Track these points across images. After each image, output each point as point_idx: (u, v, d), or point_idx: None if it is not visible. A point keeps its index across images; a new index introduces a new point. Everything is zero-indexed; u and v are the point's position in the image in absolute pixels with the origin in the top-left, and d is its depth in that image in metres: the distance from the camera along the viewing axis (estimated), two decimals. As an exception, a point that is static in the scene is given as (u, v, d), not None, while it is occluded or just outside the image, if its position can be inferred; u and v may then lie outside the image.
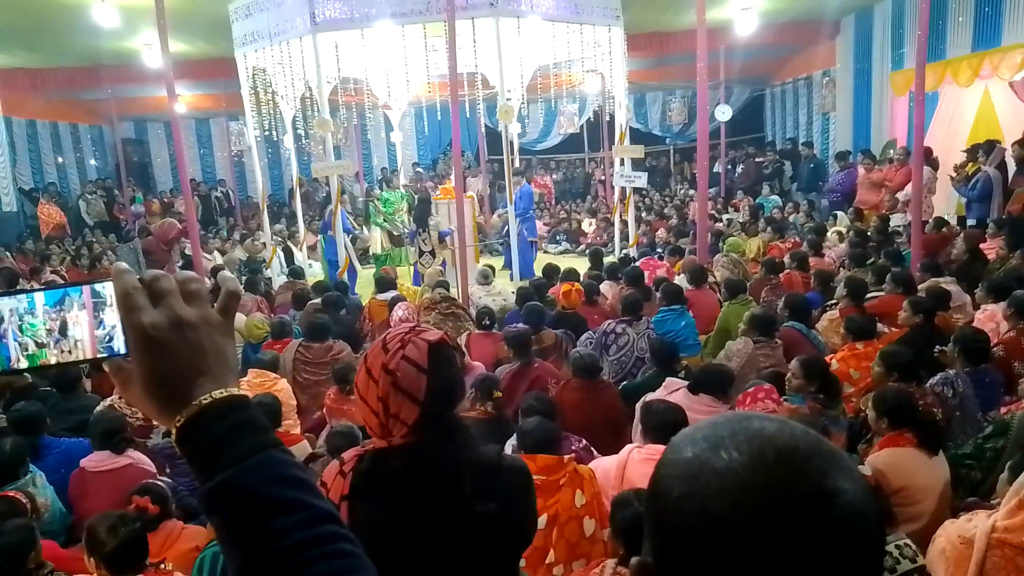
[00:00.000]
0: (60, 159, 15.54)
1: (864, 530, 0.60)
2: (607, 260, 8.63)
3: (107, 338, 0.75)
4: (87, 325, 0.75)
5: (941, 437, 3.32)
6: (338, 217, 9.18)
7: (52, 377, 4.70)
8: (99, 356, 0.75)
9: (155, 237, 8.27)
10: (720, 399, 3.72)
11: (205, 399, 0.72)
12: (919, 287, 5.72)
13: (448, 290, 6.87)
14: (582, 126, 17.15)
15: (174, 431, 0.72)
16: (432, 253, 9.23)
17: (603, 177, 15.45)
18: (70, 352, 0.75)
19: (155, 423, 4.24)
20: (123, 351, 0.75)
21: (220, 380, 0.74)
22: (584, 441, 3.59)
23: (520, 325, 5.33)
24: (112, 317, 0.75)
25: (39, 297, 0.75)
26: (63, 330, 0.75)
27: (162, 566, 2.69)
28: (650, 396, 3.87)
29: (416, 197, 10.56)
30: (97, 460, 3.71)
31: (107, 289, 0.75)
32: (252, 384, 4.71)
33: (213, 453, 0.71)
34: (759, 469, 0.60)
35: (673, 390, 3.87)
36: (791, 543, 0.58)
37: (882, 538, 0.65)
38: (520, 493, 1.58)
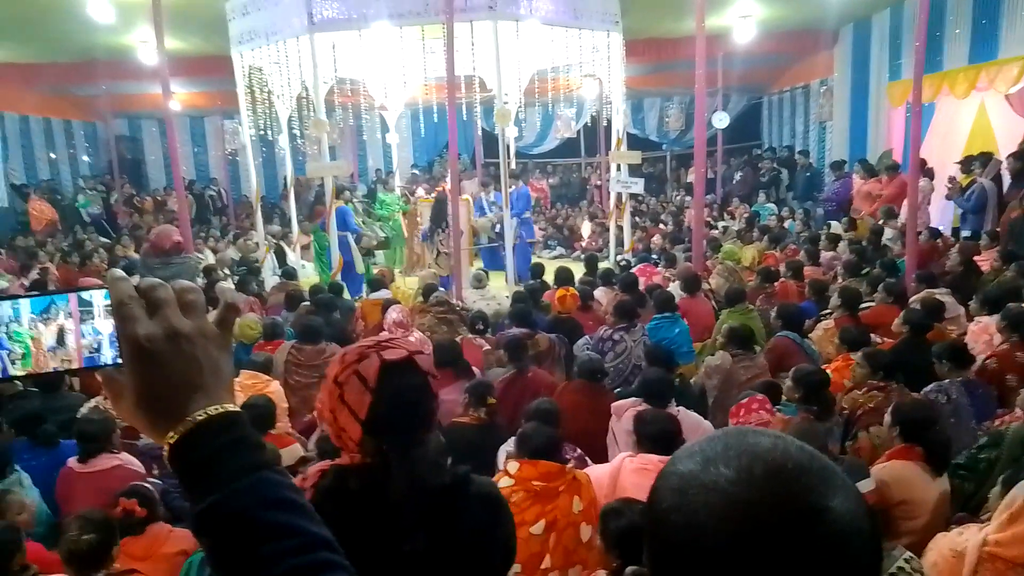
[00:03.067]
0: (53, 155, 15.44)
1: (854, 549, 0.59)
2: (602, 266, 8.62)
3: (94, 347, 0.73)
4: (73, 334, 0.73)
5: (948, 459, 3.32)
6: (332, 217, 9.14)
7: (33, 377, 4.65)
8: (84, 367, 0.74)
9: (151, 246, 7.75)
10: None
11: (200, 415, 0.70)
12: (913, 297, 5.73)
13: (433, 293, 6.79)
14: (579, 131, 17.17)
15: (166, 448, 0.70)
16: (447, 254, 9.17)
17: (599, 182, 15.46)
18: (55, 361, 0.74)
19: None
20: (109, 362, 0.73)
21: (214, 395, 0.72)
22: (579, 451, 3.58)
23: (514, 330, 5.31)
24: (100, 326, 0.73)
25: (24, 304, 0.73)
26: (48, 338, 0.73)
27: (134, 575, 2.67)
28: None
29: (413, 199, 10.44)
30: (86, 460, 3.66)
31: (95, 298, 0.74)
32: (244, 386, 4.66)
33: (206, 472, 0.69)
34: (745, 485, 0.61)
35: (625, 410, 3.83)
36: (776, 560, 0.58)
37: (876, 557, 0.64)
38: (487, 524, 1.49)
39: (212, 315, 0.77)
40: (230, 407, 0.72)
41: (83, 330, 0.73)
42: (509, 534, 1.56)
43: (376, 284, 7.41)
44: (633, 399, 3.84)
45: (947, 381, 4.09)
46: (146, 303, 0.72)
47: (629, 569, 0.57)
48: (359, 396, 1.38)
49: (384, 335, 1.49)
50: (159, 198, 15.85)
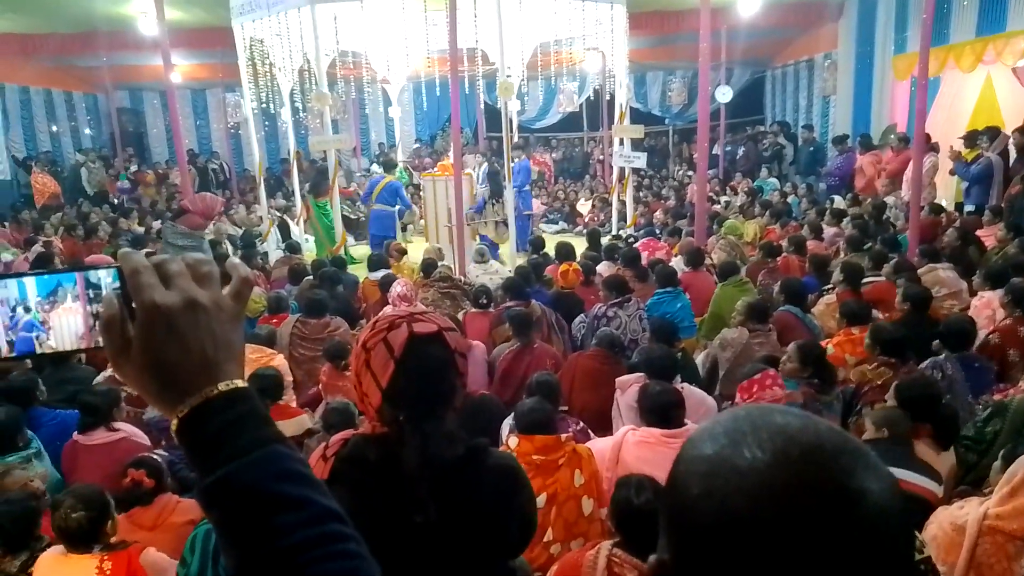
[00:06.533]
0: (54, 127, 15.36)
1: (890, 532, 0.58)
2: (604, 240, 8.62)
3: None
4: (81, 316, 0.73)
5: (957, 431, 3.34)
6: (335, 191, 9.14)
7: None
8: (94, 345, 0.74)
9: (199, 213, 7.67)
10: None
11: (212, 390, 0.69)
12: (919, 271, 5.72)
13: (435, 269, 6.82)
14: (582, 105, 17.04)
15: (175, 421, 0.69)
16: (505, 223, 9.27)
17: (602, 157, 15.37)
18: (65, 342, 0.74)
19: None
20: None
21: (226, 370, 0.71)
22: (582, 424, 3.62)
23: (509, 303, 5.34)
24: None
25: (30, 284, 0.72)
26: (57, 321, 0.73)
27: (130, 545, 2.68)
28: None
29: (489, 168, 10.42)
30: (90, 432, 3.69)
31: (103, 279, 0.73)
32: (248, 360, 4.68)
33: (216, 445, 0.69)
34: (782, 468, 0.58)
35: (629, 385, 3.87)
36: (813, 545, 0.56)
37: (910, 540, 0.63)
38: (503, 496, 1.51)
39: (226, 288, 0.76)
40: (240, 383, 0.72)
41: (91, 311, 0.73)
42: (527, 506, 1.57)
43: (376, 262, 7.38)
44: (637, 374, 3.87)
45: (943, 356, 4.10)
46: (160, 276, 0.71)
47: (652, 558, 0.57)
48: (383, 363, 1.41)
49: (406, 310, 1.50)
50: (161, 171, 15.79)
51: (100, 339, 0.73)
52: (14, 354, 0.73)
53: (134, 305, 0.70)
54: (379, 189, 9.46)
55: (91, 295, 0.73)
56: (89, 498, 2.60)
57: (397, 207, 9.45)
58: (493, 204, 9.53)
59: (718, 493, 0.59)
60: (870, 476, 0.59)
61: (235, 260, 0.79)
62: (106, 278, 0.73)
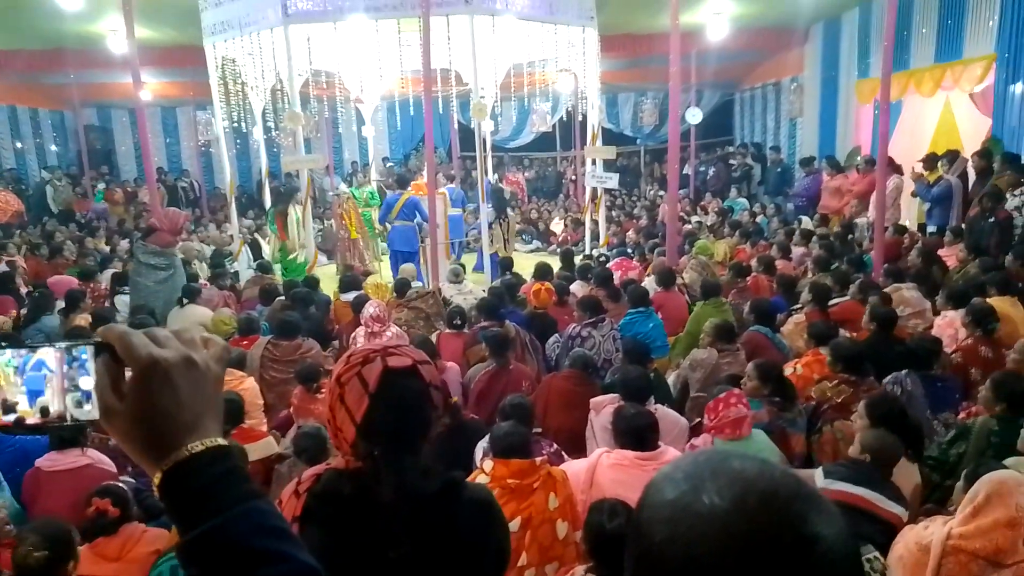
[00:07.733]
0: (19, 144, 15.08)
1: (843, 573, 0.62)
2: (577, 260, 8.68)
3: (77, 403, 0.73)
4: (58, 389, 0.73)
5: (923, 443, 3.42)
6: (307, 208, 9.10)
7: None
8: (71, 422, 0.74)
9: (167, 231, 7.57)
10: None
11: (196, 447, 0.71)
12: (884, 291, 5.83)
13: (408, 289, 6.81)
14: (554, 125, 17.18)
15: (159, 476, 0.71)
16: (508, 242, 9.34)
17: (575, 176, 15.50)
18: (38, 415, 0.73)
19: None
20: (94, 417, 0.73)
21: (209, 428, 0.74)
22: (555, 445, 3.61)
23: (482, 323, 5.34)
24: (87, 383, 0.73)
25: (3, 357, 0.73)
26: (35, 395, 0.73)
27: None
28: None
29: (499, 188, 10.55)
30: (53, 459, 3.60)
31: (87, 354, 0.73)
32: (218, 382, 4.61)
33: (200, 501, 0.71)
34: (741, 515, 0.61)
35: (604, 406, 3.88)
36: None
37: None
38: (479, 530, 1.49)
39: (209, 352, 0.79)
40: (222, 441, 0.74)
41: (69, 386, 0.73)
42: (502, 539, 1.57)
43: (347, 284, 7.32)
44: (612, 395, 3.89)
45: (903, 372, 4.20)
46: (149, 338, 0.74)
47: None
48: (358, 398, 1.40)
49: (380, 344, 1.49)
50: (130, 189, 15.58)
51: (74, 415, 0.73)
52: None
53: (127, 364, 0.72)
54: (399, 206, 9.39)
55: (68, 366, 0.73)
56: (54, 537, 2.53)
57: (416, 220, 9.40)
58: (500, 223, 9.65)
59: (681, 540, 0.62)
60: (823, 521, 0.62)
61: (211, 336, 0.82)
62: (89, 353, 0.74)
